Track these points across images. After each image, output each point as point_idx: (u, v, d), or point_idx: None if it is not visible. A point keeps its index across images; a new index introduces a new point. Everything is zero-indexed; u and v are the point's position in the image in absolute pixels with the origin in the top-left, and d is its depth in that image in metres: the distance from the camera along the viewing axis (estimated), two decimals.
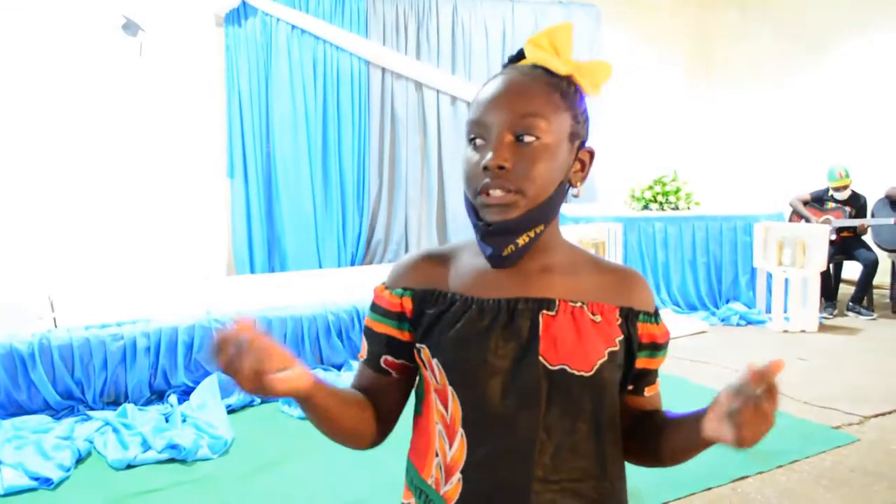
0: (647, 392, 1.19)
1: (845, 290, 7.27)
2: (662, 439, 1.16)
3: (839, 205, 6.92)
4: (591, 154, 1.15)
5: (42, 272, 6.11)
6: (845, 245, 6.91)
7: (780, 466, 3.53)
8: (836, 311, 6.86)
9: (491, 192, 1.05)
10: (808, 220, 6.85)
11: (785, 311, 6.32)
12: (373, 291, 1.20)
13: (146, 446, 3.73)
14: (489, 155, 1.04)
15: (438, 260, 1.17)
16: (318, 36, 7.37)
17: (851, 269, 7.18)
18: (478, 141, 1.08)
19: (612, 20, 8.93)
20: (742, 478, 3.41)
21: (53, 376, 4.18)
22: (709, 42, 9.60)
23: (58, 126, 6.28)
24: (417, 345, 1.12)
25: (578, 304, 1.10)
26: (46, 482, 3.39)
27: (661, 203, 7.17)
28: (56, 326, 4.49)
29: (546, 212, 1.08)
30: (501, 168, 1.04)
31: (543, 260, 1.13)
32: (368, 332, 1.18)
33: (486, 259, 1.10)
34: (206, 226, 7.09)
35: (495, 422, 1.06)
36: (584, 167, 1.15)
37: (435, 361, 1.09)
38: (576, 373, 1.06)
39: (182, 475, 3.51)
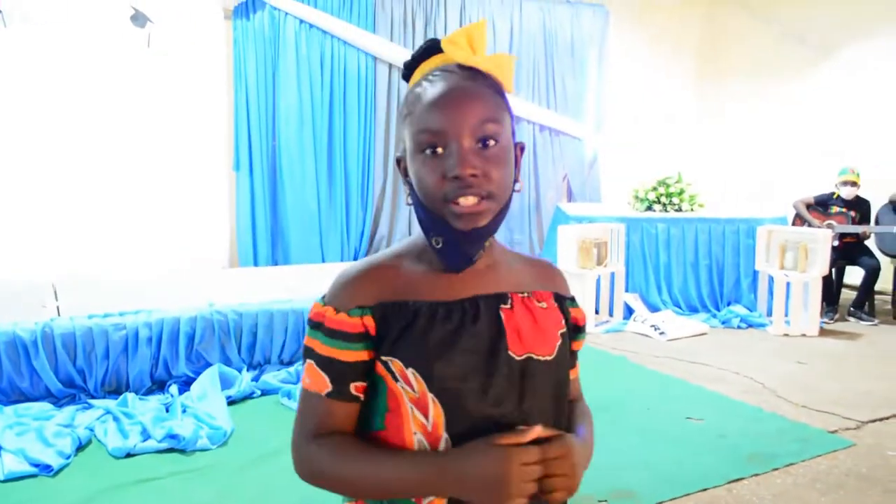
0: (570, 375, 1.24)
1: (847, 295, 7.28)
2: None
3: (843, 209, 6.91)
4: (522, 148, 1.17)
5: (46, 261, 6.14)
6: (848, 251, 6.91)
7: (776, 469, 3.54)
8: (837, 316, 6.87)
9: (461, 200, 1.04)
10: (810, 224, 6.85)
11: (786, 315, 6.32)
12: (317, 316, 1.11)
13: (146, 435, 3.75)
14: (455, 163, 1.03)
15: (385, 271, 1.12)
16: (326, 31, 7.40)
17: (854, 274, 7.18)
18: (435, 150, 1.05)
19: (620, 20, 8.95)
20: (737, 479, 3.42)
21: (56, 364, 4.20)
22: (716, 43, 9.60)
23: (64, 117, 6.31)
24: (384, 358, 1.08)
25: (526, 295, 1.15)
26: (46, 469, 3.41)
27: (664, 204, 7.17)
28: (59, 315, 4.52)
29: (505, 213, 1.11)
30: (474, 176, 1.04)
31: (487, 257, 1.15)
32: (330, 363, 1.09)
33: (448, 266, 1.11)
34: (211, 218, 7.13)
35: (478, 420, 1.06)
36: (518, 162, 1.16)
37: (410, 371, 1.06)
38: (541, 358, 1.11)
39: (181, 465, 3.53)
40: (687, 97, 9.60)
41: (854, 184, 6.83)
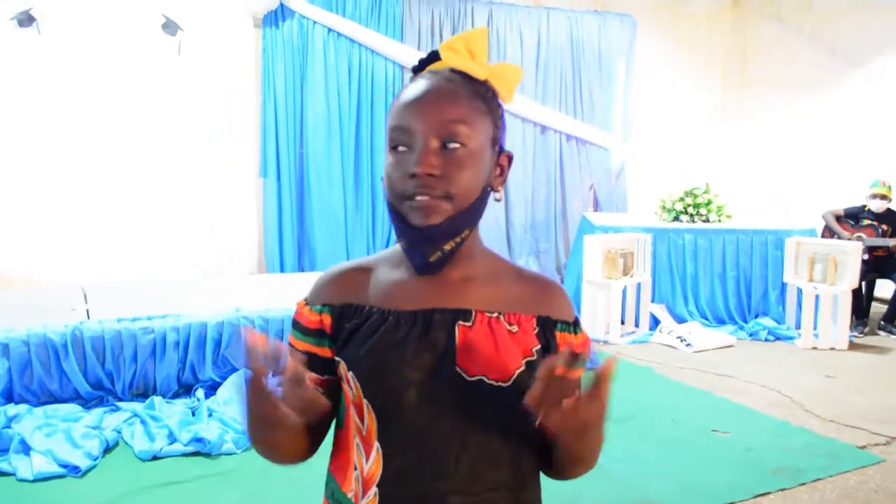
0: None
1: (877, 309, 7.18)
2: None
3: (874, 222, 6.82)
4: (510, 158, 1.15)
5: (77, 265, 6.22)
6: (879, 264, 6.81)
7: (803, 484, 3.50)
8: (866, 330, 6.77)
9: (418, 197, 1.03)
10: (839, 237, 6.77)
11: (815, 328, 6.25)
12: (295, 306, 1.18)
13: (172, 439, 3.79)
14: (416, 162, 1.03)
15: (357, 273, 1.15)
16: (354, 39, 7.44)
17: (884, 288, 7.08)
18: (400, 148, 1.06)
19: (647, 30, 8.91)
20: (763, 494, 3.39)
21: (85, 367, 4.25)
22: (744, 53, 9.53)
23: (95, 123, 6.39)
24: (336, 358, 1.11)
25: (495, 315, 1.10)
26: (74, 470, 3.46)
27: (691, 215, 7.13)
28: (89, 318, 4.57)
29: (471, 217, 1.08)
30: (430, 175, 1.03)
31: (463, 269, 1.12)
32: (292, 350, 1.15)
33: (412, 267, 1.10)
34: (238, 224, 7.18)
35: (411, 434, 1.05)
36: (504, 171, 1.14)
37: (350, 374, 1.08)
38: (493, 383, 1.05)
39: (206, 468, 3.56)
40: (714, 107, 9.54)
41: (885, 197, 6.75)
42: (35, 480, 3.38)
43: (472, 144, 1.05)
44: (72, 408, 4.11)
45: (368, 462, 1.07)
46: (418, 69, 1.14)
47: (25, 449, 3.58)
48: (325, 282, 1.16)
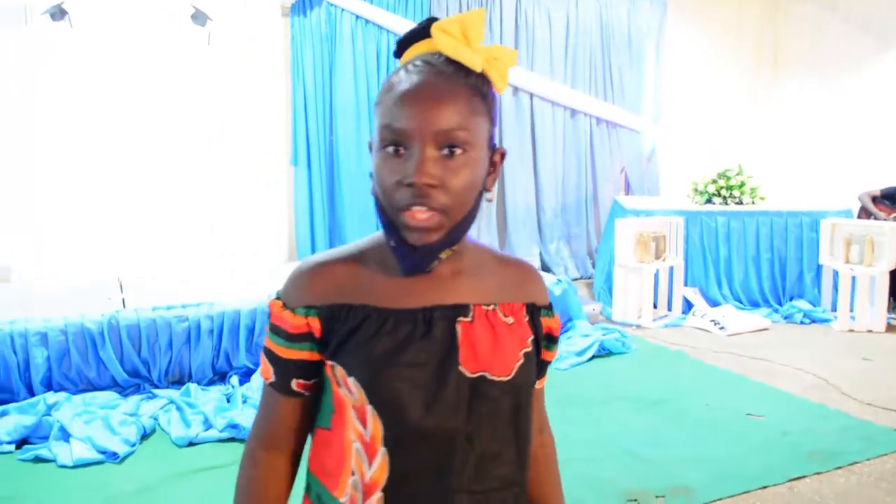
0: (538, 384, 1.17)
1: None
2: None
3: None
4: (503, 154, 1.08)
5: (112, 255, 6.31)
6: None
7: (839, 467, 3.46)
8: None
9: (415, 211, 0.96)
10: (876, 218, 6.65)
11: (851, 310, 6.16)
12: (269, 307, 1.09)
13: (208, 425, 3.84)
14: (413, 170, 0.95)
15: (340, 268, 1.06)
16: (382, 26, 7.43)
17: None
18: (392, 149, 0.98)
19: (678, 11, 8.80)
20: (799, 477, 3.35)
21: (121, 355, 4.33)
22: (776, 33, 9.38)
23: (127, 114, 6.46)
24: (329, 362, 1.04)
25: (491, 307, 1.07)
26: (113, 456, 3.52)
27: (724, 197, 7.04)
28: (124, 307, 4.64)
29: (467, 224, 1.03)
30: (430, 186, 0.95)
31: (454, 263, 1.07)
32: (272, 357, 1.08)
33: (402, 269, 1.04)
34: (270, 212, 7.22)
35: (417, 437, 1.01)
36: (496, 168, 1.06)
37: (351, 380, 1.02)
38: (495, 378, 1.03)
39: (241, 454, 3.60)
40: (746, 88, 9.40)
41: None
42: (75, 466, 3.44)
43: (472, 150, 0.99)
44: (109, 395, 4.18)
45: (372, 468, 1.03)
46: (406, 42, 1.05)
47: (65, 436, 3.65)
48: (305, 279, 1.07)
